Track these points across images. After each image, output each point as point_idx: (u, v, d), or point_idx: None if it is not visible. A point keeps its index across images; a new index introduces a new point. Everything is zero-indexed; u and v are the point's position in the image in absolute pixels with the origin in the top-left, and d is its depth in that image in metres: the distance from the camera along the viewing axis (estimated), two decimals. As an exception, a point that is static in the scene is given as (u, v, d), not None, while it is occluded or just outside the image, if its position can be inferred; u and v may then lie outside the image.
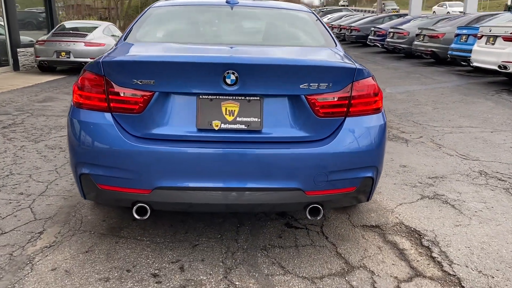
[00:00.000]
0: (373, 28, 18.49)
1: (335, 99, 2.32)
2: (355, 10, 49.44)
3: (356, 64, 2.42)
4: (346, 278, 2.39)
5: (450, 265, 2.52)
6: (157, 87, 2.24)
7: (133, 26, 3.04)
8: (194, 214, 3.04)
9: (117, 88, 2.27)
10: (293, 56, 2.56)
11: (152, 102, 2.25)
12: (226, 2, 3.36)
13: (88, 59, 11.03)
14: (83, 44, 11.12)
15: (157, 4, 3.41)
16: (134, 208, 2.32)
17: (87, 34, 11.55)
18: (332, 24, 26.12)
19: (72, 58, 11.05)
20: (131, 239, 2.71)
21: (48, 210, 3.11)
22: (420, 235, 2.87)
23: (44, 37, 11.55)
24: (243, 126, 2.28)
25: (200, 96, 2.28)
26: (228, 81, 2.22)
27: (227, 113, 2.28)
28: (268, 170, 2.26)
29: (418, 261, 2.57)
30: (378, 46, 17.71)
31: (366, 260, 2.57)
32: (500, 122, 6.03)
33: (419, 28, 14.03)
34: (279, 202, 2.35)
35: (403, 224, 3.03)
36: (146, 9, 3.33)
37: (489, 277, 2.39)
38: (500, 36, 8.54)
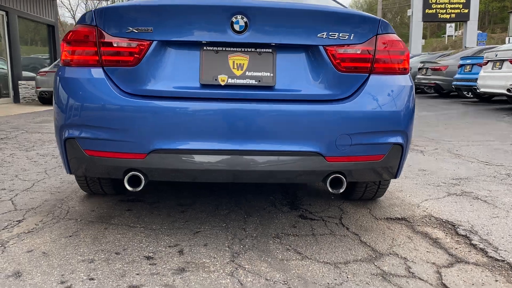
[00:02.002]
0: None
1: (358, 52, 2.04)
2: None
3: (375, 16, 2.16)
4: (375, 264, 2.01)
5: (495, 251, 2.14)
6: (155, 35, 1.97)
7: None
8: (196, 204, 2.68)
9: (109, 39, 1.99)
10: (310, 1, 2.30)
11: (149, 53, 1.97)
12: None
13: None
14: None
15: None
16: (126, 177, 1.99)
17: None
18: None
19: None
20: (122, 226, 2.35)
21: (31, 202, 2.76)
22: (454, 226, 2.50)
23: (46, 68, 11.49)
24: (253, 81, 1.99)
25: (204, 48, 2.00)
26: (237, 27, 1.95)
27: (235, 66, 2.00)
28: (282, 131, 1.94)
29: (456, 248, 2.20)
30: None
31: (395, 248, 2.20)
32: (517, 137, 5.73)
33: (421, 62, 14.03)
34: (296, 169, 2.00)
35: (433, 216, 2.67)
36: None
37: (545, 261, 2.01)
38: (507, 59, 8.40)
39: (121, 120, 1.94)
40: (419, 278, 1.87)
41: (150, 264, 1.90)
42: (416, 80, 13.93)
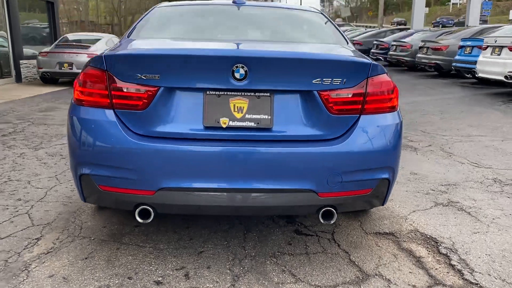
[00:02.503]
0: (375, 42, 18.51)
1: (350, 96, 2.20)
2: (357, 26, 49.67)
3: (370, 59, 2.31)
4: (362, 287, 2.24)
5: (471, 273, 2.37)
6: (162, 82, 2.13)
7: (137, 24, 2.95)
8: (199, 220, 2.90)
9: (120, 84, 2.15)
10: (305, 50, 2.45)
11: (156, 98, 2.14)
12: (233, 2, 3.28)
13: (91, 71, 10.97)
14: (86, 55, 11.08)
15: (163, 4, 3.33)
16: (137, 210, 2.19)
17: (89, 46, 11.53)
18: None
19: (74, 70, 10.99)
20: (133, 246, 2.57)
21: (46, 216, 2.98)
22: (436, 243, 2.73)
23: (47, 49, 11.53)
24: (252, 124, 2.16)
25: (207, 92, 2.16)
26: (237, 75, 2.11)
27: (236, 109, 2.17)
28: (279, 170, 2.13)
29: (436, 269, 2.43)
30: (381, 60, 17.67)
31: (381, 268, 2.43)
32: (510, 131, 5.90)
33: (422, 41, 14.01)
34: (291, 204, 2.21)
35: (418, 231, 2.89)
36: (151, 8, 3.25)
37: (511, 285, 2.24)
38: (506, 46, 8.47)
39: (131, 160, 2.13)
40: (399, 304, 2.10)
41: (159, 290, 2.14)
42: (417, 59, 13.96)
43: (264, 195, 2.16)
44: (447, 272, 2.39)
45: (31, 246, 2.55)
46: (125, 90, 2.15)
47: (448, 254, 2.58)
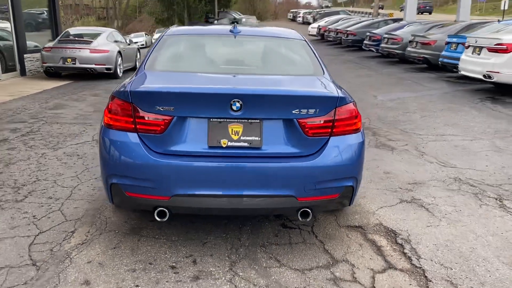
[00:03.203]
0: (368, 33, 19.01)
1: (321, 122, 2.82)
2: (353, 12, 49.81)
3: (339, 92, 2.92)
4: (331, 270, 2.88)
5: (418, 259, 3.02)
6: (176, 113, 2.74)
7: (150, 53, 3.52)
8: (204, 217, 3.53)
9: (142, 113, 2.76)
10: (286, 87, 3.04)
11: (171, 124, 2.75)
12: (230, 31, 3.86)
13: (93, 65, 11.54)
14: (88, 51, 11.60)
15: (170, 32, 3.90)
16: (156, 211, 2.81)
17: (91, 41, 12.02)
18: (328, 28, 26.64)
19: (77, 65, 11.52)
20: (150, 238, 3.20)
21: (76, 212, 3.60)
22: (395, 234, 3.37)
23: (51, 44, 12.01)
24: (246, 144, 2.78)
25: (211, 119, 2.77)
26: (234, 107, 2.71)
27: (233, 133, 2.78)
28: (266, 180, 2.76)
29: (391, 256, 3.07)
30: (373, 51, 18.22)
31: (348, 255, 3.07)
32: (480, 130, 6.54)
33: (412, 35, 14.54)
34: (276, 206, 2.85)
35: (382, 224, 3.53)
36: (161, 36, 3.81)
37: (448, 269, 2.89)
38: (485, 47, 9.05)
39: (151, 173, 2.74)
40: (359, 283, 2.75)
41: (174, 273, 2.77)
42: (406, 52, 14.52)
43: (254, 199, 2.78)
44: (400, 259, 3.03)
45: (69, 238, 3.17)
46: (146, 118, 2.76)
47: (403, 244, 3.23)
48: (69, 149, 5.38)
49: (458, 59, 11.15)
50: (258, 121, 2.79)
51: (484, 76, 8.97)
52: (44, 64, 11.72)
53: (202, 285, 2.66)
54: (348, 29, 22.34)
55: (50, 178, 4.36)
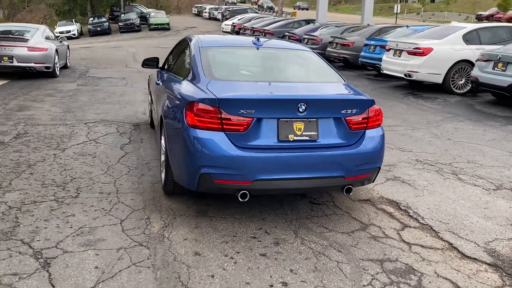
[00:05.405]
0: (287, 33, 20.37)
1: (360, 119, 3.73)
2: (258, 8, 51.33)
3: (368, 96, 3.85)
4: (367, 231, 3.82)
5: (422, 219, 4.07)
6: (255, 114, 3.45)
7: (200, 63, 4.10)
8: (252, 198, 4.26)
9: (228, 116, 3.43)
10: (335, 93, 3.90)
11: (252, 124, 3.46)
12: (253, 43, 4.59)
13: (33, 64, 11.26)
14: (26, 49, 11.26)
15: (202, 44, 4.49)
16: (239, 194, 3.50)
17: (28, 39, 11.65)
18: (244, 26, 27.72)
19: (15, 63, 11.14)
20: (219, 218, 3.87)
21: (136, 203, 4.10)
22: (397, 204, 4.41)
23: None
24: (307, 138, 3.59)
25: (280, 119, 3.53)
26: (300, 109, 3.51)
27: (297, 129, 3.57)
28: (324, 165, 3.60)
29: (402, 218, 4.09)
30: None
31: (372, 220, 4.03)
32: (415, 121, 7.96)
33: (331, 37, 16.12)
34: (329, 185, 3.70)
35: (383, 197, 4.55)
36: (196, 48, 4.38)
37: (446, 224, 3.98)
38: (405, 50, 10.68)
39: (236, 163, 3.43)
40: (391, 238, 3.72)
41: (258, 241, 3.50)
42: (326, 52, 16.06)
43: (315, 180, 3.60)
44: (409, 220, 4.06)
45: (149, 223, 3.71)
46: (232, 120, 3.44)
47: (407, 209, 4.27)
48: (75, 149, 5.66)
49: (376, 59, 12.86)
50: (315, 119, 3.61)
51: (405, 75, 10.60)
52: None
53: (284, 248, 3.43)
54: (265, 28, 23.59)
55: (84, 176, 4.72)
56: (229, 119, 3.44)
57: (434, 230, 3.86)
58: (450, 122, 7.88)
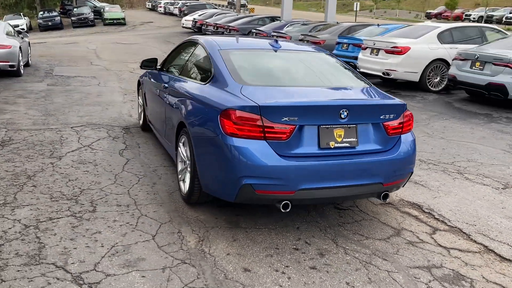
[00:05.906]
0: (254, 30, 20.24)
1: (396, 124, 3.69)
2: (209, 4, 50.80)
3: (401, 100, 3.81)
4: (401, 236, 3.79)
5: (449, 221, 4.10)
6: (298, 122, 3.33)
7: (225, 67, 3.91)
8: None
9: (271, 124, 3.28)
10: (371, 97, 3.83)
11: (294, 132, 3.33)
12: (270, 45, 4.45)
13: (-3, 62, 10.52)
14: (-6, 47, 10.52)
15: (221, 47, 4.29)
16: (281, 204, 3.37)
17: (-10, 37, 10.88)
18: (206, 22, 27.31)
19: (-22, 63, 10.37)
20: (252, 228, 3.71)
21: (159, 216, 3.87)
22: (419, 206, 4.42)
23: None
24: (347, 144, 3.50)
25: (321, 126, 3.42)
26: (342, 116, 3.42)
27: (337, 136, 3.48)
28: (364, 172, 3.53)
29: (429, 221, 4.11)
30: (261, 47, 19.47)
31: (402, 225, 4.01)
32: (403, 120, 8.07)
33: (302, 34, 16.14)
34: (368, 192, 3.64)
35: (404, 200, 4.56)
36: (214, 52, 4.18)
37: (474, 226, 4.03)
38: (382, 49, 10.85)
39: (280, 172, 3.29)
40: (427, 243, 3.71)
41: (302, 253, 3.38)
42: (297, 50, 16.08)
43: (356, 188, 3.53)
44: (437, 223, 4.08)
45: (183, 238, 3.50)
46: (274, 128, 3.29)
47: (431, 212, 4.29)
48: (72, 157, 5.30)
49: (350, 57, 12.98)
50: (354, 125, 3.53)
51: (383, 73, 10.78)
52: None
53: (330, 259, 3.34)
54: (230, 24, 23.34)
55: (94, 187, 4.42)
56: (272, 127, 3.30)
57: (464, 233, 3.90)
58: (437, 121, 8.07)
